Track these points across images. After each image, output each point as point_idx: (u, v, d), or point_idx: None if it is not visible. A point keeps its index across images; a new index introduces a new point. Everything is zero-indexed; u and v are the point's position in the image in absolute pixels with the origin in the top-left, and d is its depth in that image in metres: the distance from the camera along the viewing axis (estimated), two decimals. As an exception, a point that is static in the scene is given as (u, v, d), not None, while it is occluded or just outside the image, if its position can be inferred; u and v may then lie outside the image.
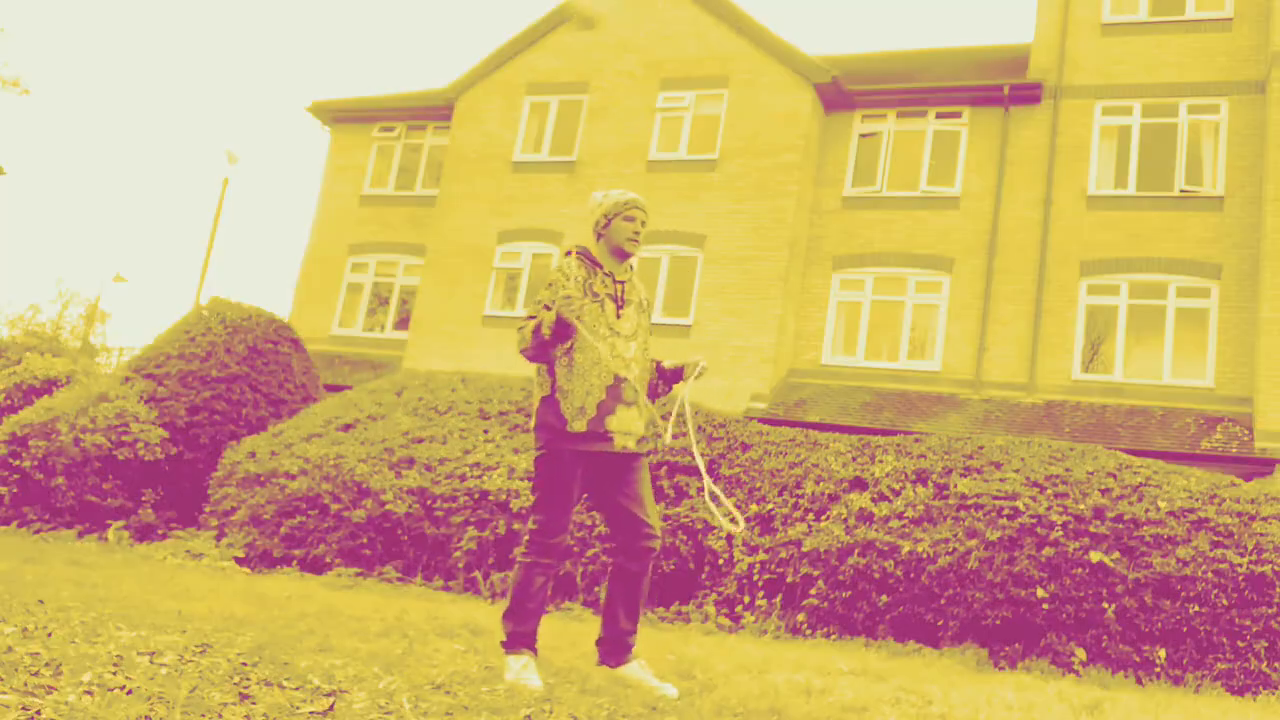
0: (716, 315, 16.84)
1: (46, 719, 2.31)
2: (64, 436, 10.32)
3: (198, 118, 68.79)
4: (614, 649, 3.97)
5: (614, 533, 3.97)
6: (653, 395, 4.12)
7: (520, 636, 3.82)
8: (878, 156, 17.62)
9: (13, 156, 56.89)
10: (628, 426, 3.88)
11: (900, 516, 7.68)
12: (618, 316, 3.94)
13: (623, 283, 4.00)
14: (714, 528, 8.26)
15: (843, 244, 17.42)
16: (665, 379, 4.12)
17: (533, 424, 3.98)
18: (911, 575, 7.33)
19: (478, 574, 8.34)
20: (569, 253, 4.03)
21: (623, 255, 4.03)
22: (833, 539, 7.66)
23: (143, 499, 10.38)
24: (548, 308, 3.80)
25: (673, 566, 8.14)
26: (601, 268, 3.99)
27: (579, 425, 3.80)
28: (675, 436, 4.52)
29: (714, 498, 4.02)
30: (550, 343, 3.75)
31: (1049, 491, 7.49)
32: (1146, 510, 7.24)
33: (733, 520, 4.00)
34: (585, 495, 4.02)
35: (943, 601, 7.21)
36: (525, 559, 3.85)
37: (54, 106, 58.69)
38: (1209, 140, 15.93)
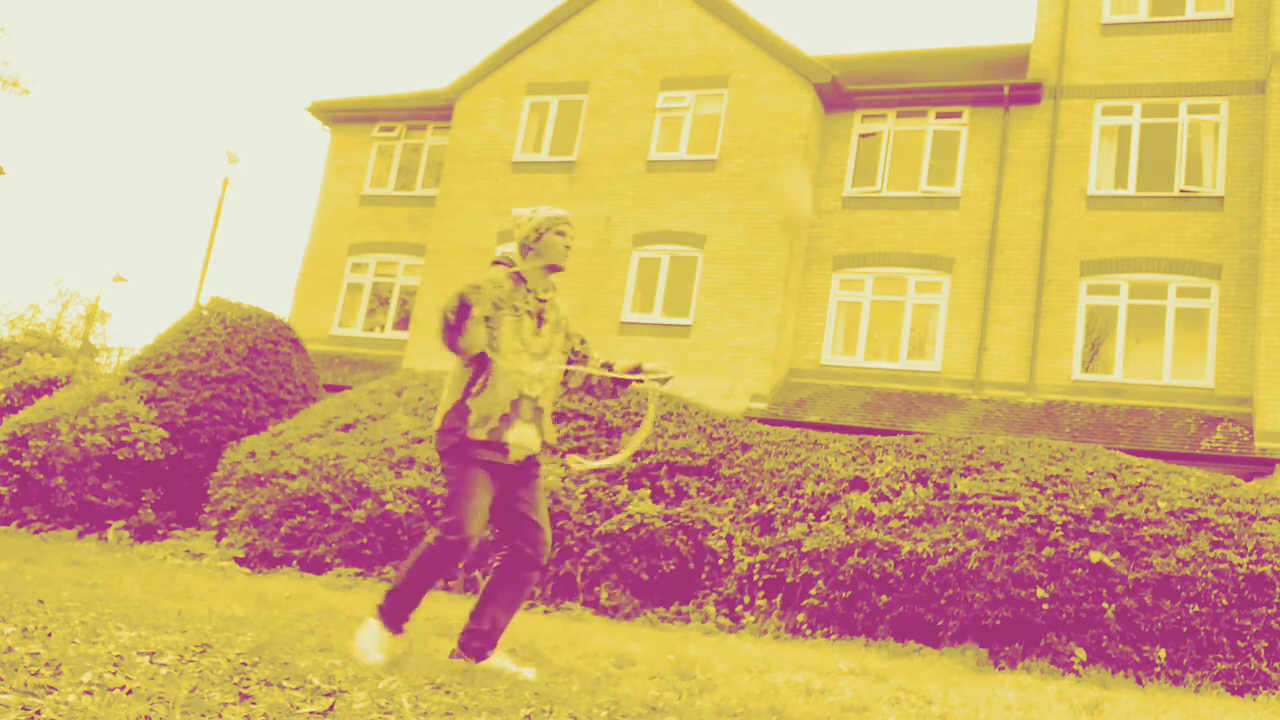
0: (716, 315, 16.83)
1: (46, 719, 2.31)
2: (64, 436, 10.32)
3: (198, 118, 68.83)
4: (483, 644, 3.96)
5: (510, 537, 3.98)
6: (590, 391, 4.14)
7: (400, 617, 3.86)
8: (878, 156, 17.61)
9: (13, 156, 56.90)
10: (524, 442, 3.90)
11: (900, 516, 7.68)
12: (534, 334, 3.95)
13: (545, 300, 4.00)
14: (714, 527, 8.26)
15: (843, 244, 17.42)
16: (618, 383, 4.11)
17: (434, 427, 3.97)
18: (911, 575, 7.33)
19: (478, 574, 8.34)
20: (496, 264, 4.02)
21: (553, 269, 4.04)
22: (833, 539, 7.66)
23: (143, 499, 10.38)
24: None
25: (672, 566, 8.14)
26: (525, 283, 3.98)
27: (479, 434, 3.82)
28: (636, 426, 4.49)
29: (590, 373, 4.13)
30: (455, 326, 3.69)
31: (1049, 491, 7.49)
32: (1146, 510, 7.23)
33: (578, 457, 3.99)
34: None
35: (943, 601, 7.21)
36: (429, 541, 3.81)
37: (54, 106, 58.71)
38: (1209, 140, 15.94)
